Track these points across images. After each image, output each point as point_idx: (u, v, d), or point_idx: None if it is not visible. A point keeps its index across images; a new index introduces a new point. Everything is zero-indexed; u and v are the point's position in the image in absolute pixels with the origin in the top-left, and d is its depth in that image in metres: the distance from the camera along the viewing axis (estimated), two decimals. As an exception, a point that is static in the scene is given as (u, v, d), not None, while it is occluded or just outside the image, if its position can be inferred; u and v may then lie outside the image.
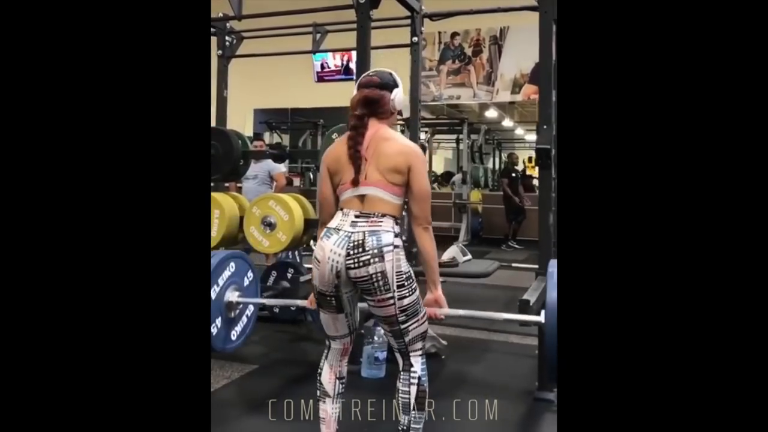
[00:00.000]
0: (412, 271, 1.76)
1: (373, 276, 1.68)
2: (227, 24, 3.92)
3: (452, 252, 3.16)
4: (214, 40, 3.95)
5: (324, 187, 1.86)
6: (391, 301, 1.70)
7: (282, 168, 5.39)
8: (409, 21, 3.51)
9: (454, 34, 8.05)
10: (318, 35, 3.91)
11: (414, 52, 3.51)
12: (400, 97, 1.82)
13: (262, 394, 2.59)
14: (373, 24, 3.69)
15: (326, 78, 8.31)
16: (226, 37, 3.93)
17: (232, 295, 2.64)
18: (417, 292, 1.77)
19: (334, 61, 8.50)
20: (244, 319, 2.77)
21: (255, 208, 3.41)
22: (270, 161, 5.02)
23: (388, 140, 1.76)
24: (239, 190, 5.44)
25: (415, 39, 3.49)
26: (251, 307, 2.82)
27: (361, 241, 1.68)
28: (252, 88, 9.15)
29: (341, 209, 1.78)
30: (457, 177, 9.10)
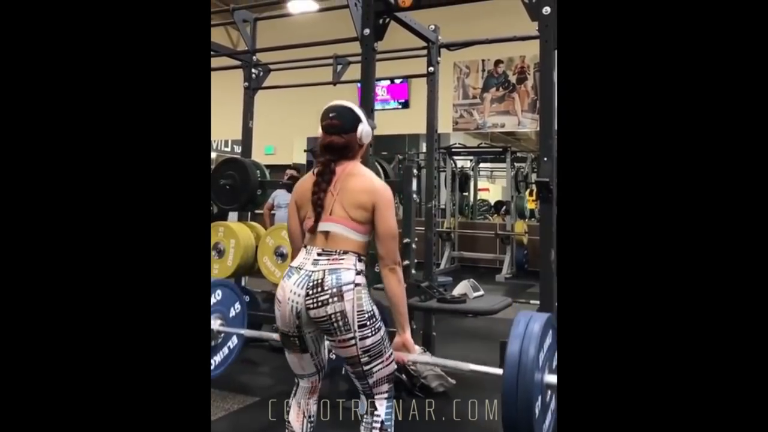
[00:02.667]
0: (376, 310, 1.70)
1: (332, 316, 1.63)
2: (254, 57, 4.02)
3: (463, 287, 3.06)
4: (240, 72, 4.06)
5: (291, 220, 1.85)
6: (352, 342, 1.65)
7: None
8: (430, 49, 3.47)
9: (497, 62, 7.98)
10: (339, 66, 3.94)
11: (431, 81, 3.48)
12: (366, 130, 1.78)
13: (256, 428, 2.56)
14: (407, 54, 3.74)
15: (369, 107, 8.39)
16: (253, 70, 4.03)
17: (214, 324, 2.64)
18: (382, 331, 1.71)
19: (378, 90, 8.60)
20: (225, 350, 2.75)
21: (269, 238, 3.44)
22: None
23: (354, 176, 1.73)
24: (272, 218, 5.53)
25: (431, 69, 3.46)
26: (235, 339, 2.79)
27: (320, 281, 1.65)
28: (303, 115, 9.39)
29: (305, 246, 1.75)
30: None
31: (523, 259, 7.98)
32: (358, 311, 1.64)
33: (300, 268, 1.69)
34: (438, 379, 2.98)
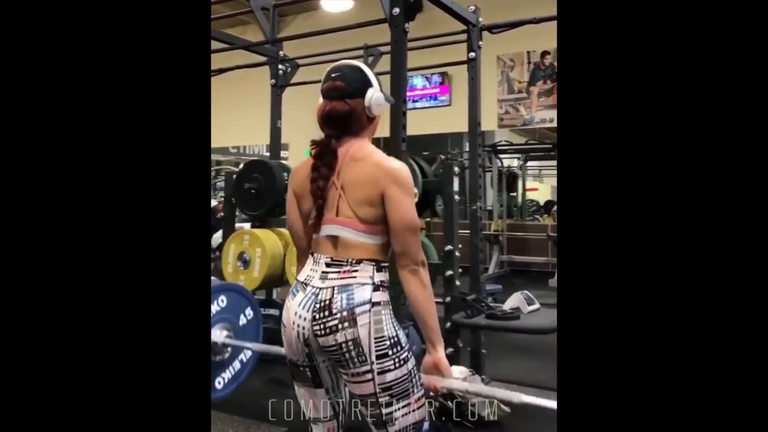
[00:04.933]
0: (402, 336, 1.34)
1: (343, 345, 1.29)
2: (280, 52, 3.75)
3: (516, 300, 2.67)
4: (266, 69, 3.79)
5: (291, 212, 1.49)
6: (368, 376, 1.30)
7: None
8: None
9: (544, 53, 7.51)
10: (371, 58, 3.62)
11: (472, 69, 3.11)
12: (377, 97, 1.39)
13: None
14: (446, 39, 3.39)
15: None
16: (279, 66, 3.75)
17: (218, 335, 2.25)
18: (410, 364, 1.34)
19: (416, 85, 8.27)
20: (237, 364, 2.37)
21: (296, 246, 3.14)
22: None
23: (358, 162, 1.35)
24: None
25: (473, 55, 3.09)
26: (248, 352, 2.40)
27: (328, 302, 1.30)
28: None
29: (312, 254, 1.41)
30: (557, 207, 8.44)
31: (578, 262, 7.46)
32: (376, 338, 1.29)
33: (306, 284, 1.36)
34: (489, 406, 2.60)
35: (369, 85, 1.39)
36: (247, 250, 3.23)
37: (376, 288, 1.32)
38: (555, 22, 3.01)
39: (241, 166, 3.53)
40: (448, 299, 2.77)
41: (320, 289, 1.33)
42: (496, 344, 3.27)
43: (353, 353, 1.29)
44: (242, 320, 2.38)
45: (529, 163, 9.25)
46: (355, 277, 1.32)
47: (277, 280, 3.33)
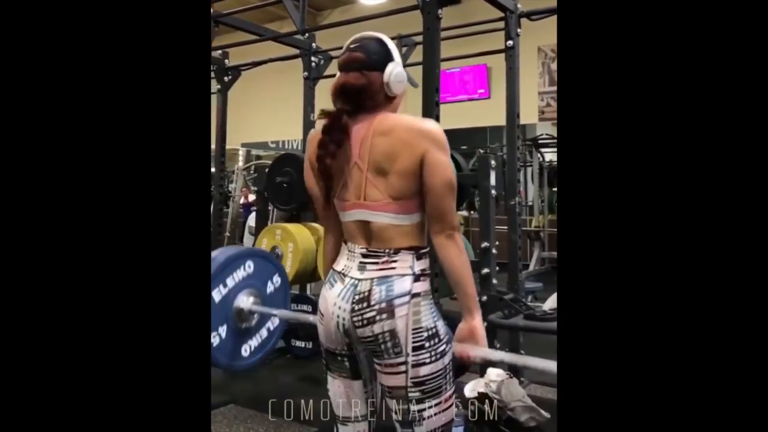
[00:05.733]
0: (441, 327, 1.26)
1: (380, 336, 1.23)
2: (313, 44, 3.68)
3: (554, 301, 2.53)
4: (299, 62, 3.74)
5: (308, 179, 1.40)
6: (402, 368, 1.23)
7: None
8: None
9: (587, 43, 7.26)
10: (405, 48, 3.52)
11: (510, 57, 2.98)
12: (397, 72, 1.28)
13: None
14: (484, 27, 3.26)
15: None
16: (312, 58, 3.69)
17: (245, 301, 2.16)
18: (446, 359, 1.26)
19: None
20: (264, 332, 2.30)
21: (328, 241, 3.08)
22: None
23: (386, 135, 1.24)
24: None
25: (510, 43, 2.96)
26: (276, 320, 2.32)
27: (367, 293, 1.24)
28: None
29: (345, 242, 1.33)
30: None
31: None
32: (414, 329, 1.22)
33: (344, 275, 1.29)
34: (528, 411, 2.47)
35: (390, 59, 1.29)
36: (279, 244, 3.18)
37: (416, 278, 1.25)
38: None
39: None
40: (484, 298, 2.66)
41: (359, 280, 1.26)
42: (535, 346, 3.13)
43: (389, 344, 1.23)
44: (269, 287, 2.31)
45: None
46: (394, 268, 1.25)
47: (309, 276, 3.28)
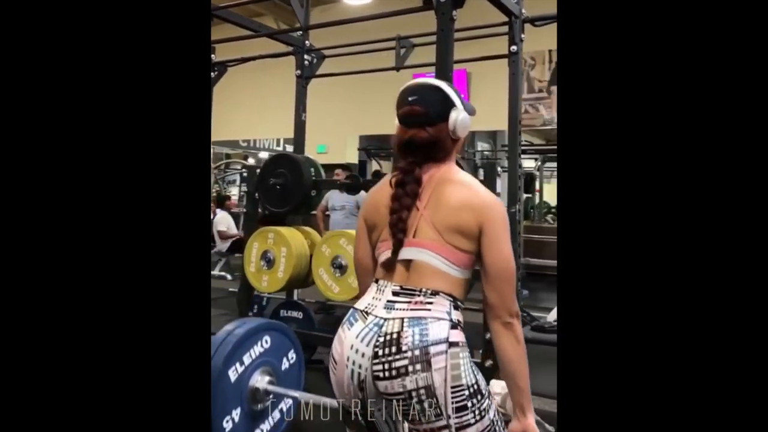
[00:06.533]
0: (482, 382, 1.14)
1: (413, 393, 1.08)
2: (306, 42, 3.58)
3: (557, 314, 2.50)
4: (291, 59, 3.62)
5: (359, 246, 1.32)
6: None
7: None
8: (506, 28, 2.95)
9: (567, 52, 7.33)
10: (403, 50, 3.45)
11: (513, 63, 2.94)
12: (462, 118, 1.23)
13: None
14: (471, 34, 3.21)
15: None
16: (305, 56, 3.58)
17: (260, 381, 1.98)
18: (491, 414, 1.13)
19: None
20: (276, 415, 2.10)
21: (324, 246, 2.98)
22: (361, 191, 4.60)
23: (452, 184, 1.20)
24: (328, 219, 5.09)
25: (514, 48, 2.92)
26: (288, 401, 2.14)
27: (396, 335, 1.10)
28: (355, 113, 8.96)
29: (376, 280, 1.23)
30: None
31: (596, 267, 7.32)
32: (453, 387, 1.09)
33: (367, 313, 1.16)
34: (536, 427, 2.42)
35: (452, 105, 1.23)
36: (271, 248, 3.06)
37: (453, 326, 1.13)
38: None
39: (250, 159, 3.37)
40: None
41: (385, 320, 1.13)
42: (533, 354, 3.09)
43: (425, 404, 1.08)
44: (285, 364, 2.15)
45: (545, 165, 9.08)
46: (429, 309, 1.13)
47: (302, 282, 3.17)
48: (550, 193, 10.66)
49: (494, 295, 1.15)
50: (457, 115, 1.22)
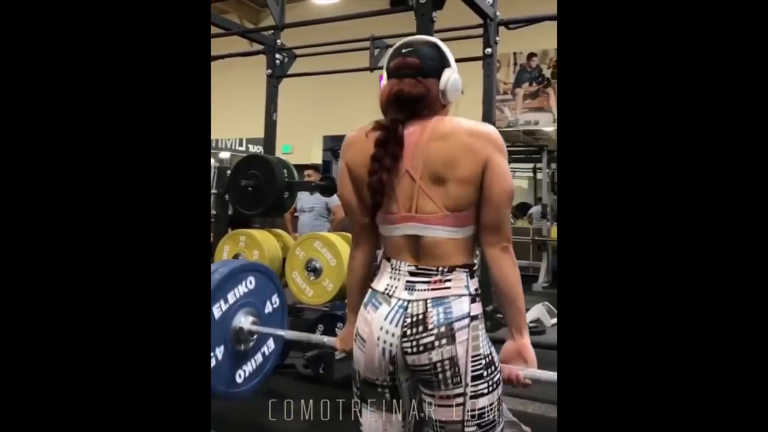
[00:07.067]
0: (494, 353, 1.18)
1: (438, 365, 1.12)
2: (278, 41, 3.51)
3: (536, 312, 2.51)
4: (263, 58, 3.56)
5: (344, 185, 1.26)
6: (461, 400, 1.12)
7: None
8: (481, 30, 2.96)
9: (530, 55, 7.44)
10: (377, 50, 3.42)
11: (488, 66, 2.96)
12: (454, 79, 1.19)
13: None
14: (439, 36, 3.20)
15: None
16: (276, 55, 3.52)
17: (244, 321, 1.95)
18: (500, 389, 1.17)
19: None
20: (259, 357, 2.07)
21: (298, 249, 2.92)
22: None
23: (446, 138, 1.15)
24: (296, 221, 5.01)
25: (489, 50, 2.94)
26: (271, 343, 2.12)
27: (422, 316, 1.13)
28: (321, 113, 8.89)
29: (387, 259, 1.22)
30: (535, 209, 8.41)
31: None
32: (473, 356, 1.13)
33: (389, 295, 1.17)
34: (509, 426, 2.43)
35: (447, 64, 1.20)
36: (243, 252, 2.99)
37: (473, 299, 1.16)
38: (548, 24, 2.91)
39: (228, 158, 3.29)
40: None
41: (408, 301, 1.15)
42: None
43: (448, 373, 1.12)
44: (268, 307, 2.10)
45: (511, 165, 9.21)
46: (449, 287, 1.15)
47: (274, 285, 3.10)
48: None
49: (495, 220, 1.15)
50: (450, 75, 1.19)
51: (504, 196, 1.15)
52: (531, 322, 2.51)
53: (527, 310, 2.51)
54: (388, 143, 1.15)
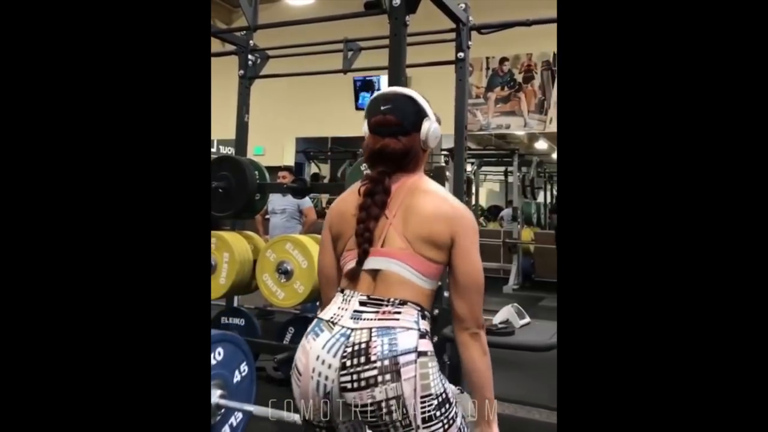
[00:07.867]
0: (449, 390, 1.14)
1: (383, 404, 1.06)
2: (250, 41, 3.49)
3: (506, 313, 2.54)
4: (235, 59, 3.52)
5: (323, 255, 1.29)
6: None
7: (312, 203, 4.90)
8: (453, 35, 2.99)
9: (503, 60, 7.51)
10: (350, 53, 3.42)
11: (460, 69, 2.98)
12: (433, 129, 1.22)
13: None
14: (412, 39, 3.22)
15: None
16: (249, 56, 3.49)
17: (212, 394, 1.93)
18: (458, 420, 1.13)
19: (377, 85, 8.10)
20: (227, 429, 2.03)
21: (269, 251, 2.90)
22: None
23: (423, 193, 1.19)
24: (267, 223, 4.98)
25: (461, 54, 2.96)
26: (239, 415, 2.07)
27: (364, 346, 1.09)
28: (293, 115, 8.84)
29: (341, 290, 1.20)
30: (506, 212, 8.50)
31: (530, 269, 7.55)
32: (423, 396, 1.07)
33: (333, 323, 1.14)
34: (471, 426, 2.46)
35: (424, 116, 1.23)
36: (213, 254, 2.96)
37: (422, 335, 1.12)
38: (520, 29, 2.95)
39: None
40: (436, 312, 2.61)
41: (352, 330, 1.11)
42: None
43: (395, 415, 1.07)
44: (237, 376, 2.06)
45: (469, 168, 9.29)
46: (398, 319, 1.12)
47: (245, 288, 3.08)
48: (481, 195, 10.96)
49: (464, 306, 1.15)
50: (430, 126, 1.22)
51: (470, 282, 1.15)
52: (501, 323, 2.53)
53: (497, 312, 2.56)
54: (376, 193, 1.18)
